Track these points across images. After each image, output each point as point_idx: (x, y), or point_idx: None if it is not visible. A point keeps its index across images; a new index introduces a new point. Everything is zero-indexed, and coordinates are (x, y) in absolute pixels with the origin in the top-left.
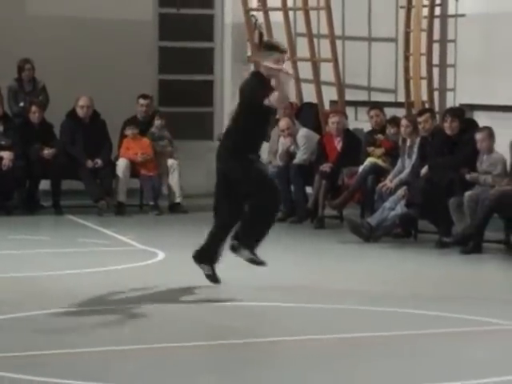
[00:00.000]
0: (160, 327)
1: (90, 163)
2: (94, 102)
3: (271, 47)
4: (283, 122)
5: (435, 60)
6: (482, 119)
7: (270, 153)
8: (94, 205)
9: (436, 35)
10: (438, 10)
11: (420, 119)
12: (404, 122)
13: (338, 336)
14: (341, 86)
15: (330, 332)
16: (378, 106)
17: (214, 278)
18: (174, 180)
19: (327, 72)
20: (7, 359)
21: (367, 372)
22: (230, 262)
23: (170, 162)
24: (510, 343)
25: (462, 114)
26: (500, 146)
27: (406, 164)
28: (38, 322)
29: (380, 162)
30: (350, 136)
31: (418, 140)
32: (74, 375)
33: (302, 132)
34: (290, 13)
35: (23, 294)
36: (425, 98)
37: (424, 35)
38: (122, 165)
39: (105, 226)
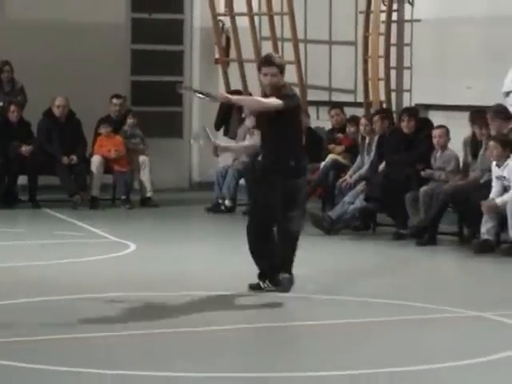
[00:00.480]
0: (139, 314)
1: (65, 160)
2: (70, 102)
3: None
4: (249, 121)
5: (392, 62)
6: (436, 118)
7: None
8: (69, 199)
9: (393, 39)
10: (394, 16)
11: (374, 119)
12: (363, 120)
13: (303, 323)
14: (303, 87)
15: (294, 319)
16: (339, 105)
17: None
18: (145, 175)
19: (290, 73)
20: None
21: (333, 356)
22: (188, 256)
23: (142, 158)
24: (463, 330)
25: (416, 113)
26: (453, 144)
27: (365, 161)
28: (17, 310)
29: (340, 158)
30: (312, 134)
31: (376, 138)
32: (55, 361)
33: None
34: (256, 18)
35: (2, 283)
36: (382, 98)
37: (382, 39)
38: (96, 161)
39: (79, 219)
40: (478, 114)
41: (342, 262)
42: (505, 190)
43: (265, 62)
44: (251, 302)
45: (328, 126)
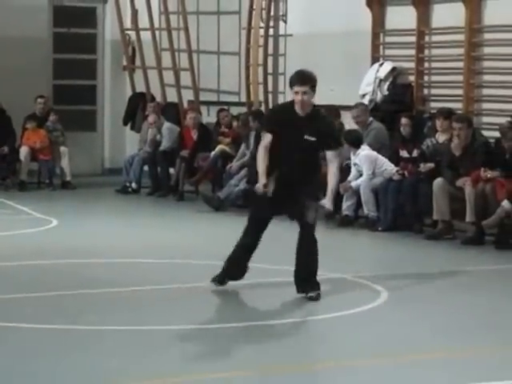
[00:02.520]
0: (60, 278)
1: None
2: (1, 102)
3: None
4: (151, 117)
5: (269, 69)
6: None
7: (141, 141)
8: (1, 182)
9: (270, 50)
10: (271, 31)
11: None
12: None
13: (188, 285)
14: (196, 89)
15: (186, 282)
16: (225, 109)
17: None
18: (65, 163)
19: (186, 78)
20: None
21: (212, 313)
22: (101, 230)
23: (62, 148)
24: (329, 289)
25: None
26: None
27: (246, 151)
28: None
29: (227, 149)
30: (203, 128)
31: (254, 132)
32: None
33: (166, 125)
34: (157, 32)
35: None
36: (261, 98)
37: (261, 50)
38: (23, 151)
39: (10, 199)
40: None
41: (227, 234)
42: (360, 174)
43: (297, 80)
44: (148, 267)
45: None
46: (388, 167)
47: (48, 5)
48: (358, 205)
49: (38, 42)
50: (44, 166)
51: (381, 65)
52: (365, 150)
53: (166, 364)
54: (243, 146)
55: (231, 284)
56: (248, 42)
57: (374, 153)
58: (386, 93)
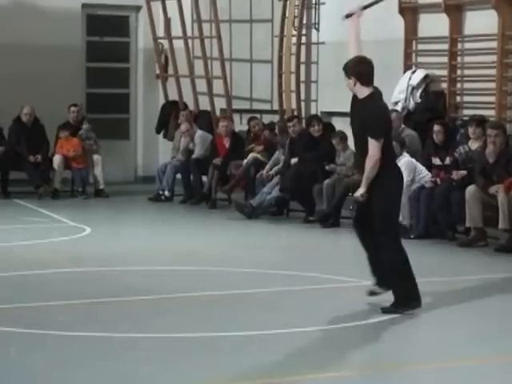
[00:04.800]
0: (94, 286)
1: (32, 158)
2: (35, 110)
3: None
4: (184, 126)
5: (302, 77)
6: (337, 123)
7: (173, 149)
8: (35, 191)
9: (302, 58)
10: (303, 39)
11: (290, 124)
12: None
13: (225, 292)
14: (229, 97)
15: (218, 289)
16: (256, 117)
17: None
18: (98, 171)
19: (218, 86)
20: None
21: (244, 320)
22: (134, 237)
23: (95, 157)
24: (356, 296)
25: (321, 119)
26: (351, 144)
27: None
28: None
29: (259, 156)
30: (235, 136)
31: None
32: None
33: (199, 133)
34: (189, 40)
35: None
36: (294, 106)
37: (293, 58)
38: (57, 159)
39: (43, 208)
40: None
41: (260, 241)
42: None
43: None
44: (184, 274)
45: None
46: (426, 174)
47: (81, 13)
48: None
49: (71, 51)
50: (77, 175)
51: (413, 72)
52: (405, 157)
53: (200, 371)
54: (277, 153)
55: (258, 291)
56: (280, 49)
57: (413, 160)
58: (419, 100)
